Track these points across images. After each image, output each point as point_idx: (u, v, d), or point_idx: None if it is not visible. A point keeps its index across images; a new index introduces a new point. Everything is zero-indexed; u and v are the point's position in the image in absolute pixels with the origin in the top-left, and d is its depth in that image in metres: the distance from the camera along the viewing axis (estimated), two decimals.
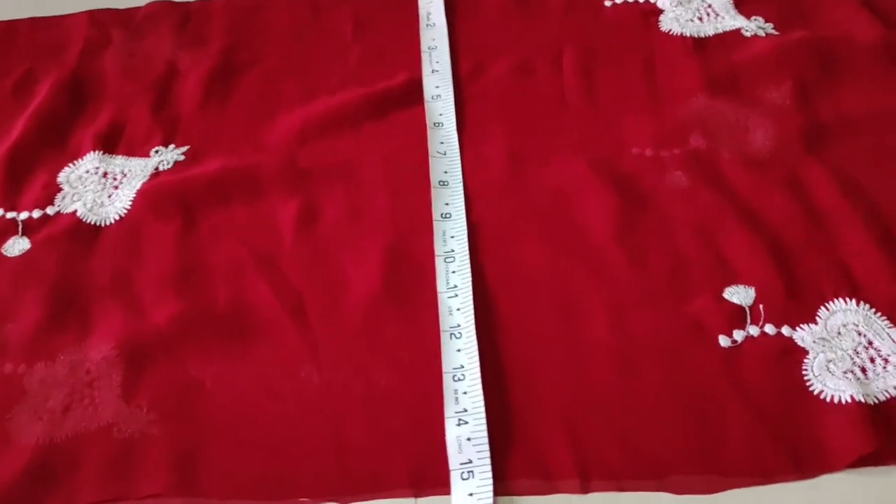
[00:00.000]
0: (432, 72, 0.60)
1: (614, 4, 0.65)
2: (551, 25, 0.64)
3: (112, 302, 0.48)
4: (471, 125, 0.57)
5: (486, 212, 0.52)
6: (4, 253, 0.51)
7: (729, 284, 0.46)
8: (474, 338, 0.45)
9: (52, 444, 0.42)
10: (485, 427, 0.41)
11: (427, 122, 0.56)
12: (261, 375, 0.44)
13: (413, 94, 0.59)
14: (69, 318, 0.47)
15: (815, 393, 0.41)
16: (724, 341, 0.44)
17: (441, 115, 0.57)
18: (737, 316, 0.45)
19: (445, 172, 0.54)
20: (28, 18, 0.67)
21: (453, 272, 0.48)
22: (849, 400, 0.40)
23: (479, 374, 0.43)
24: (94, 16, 0.67)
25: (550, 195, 0.52)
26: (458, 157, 0.54)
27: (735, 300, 0.46)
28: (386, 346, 0.45)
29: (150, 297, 0.48)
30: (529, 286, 0.48)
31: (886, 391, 0.41)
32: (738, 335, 0.44)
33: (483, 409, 0.42)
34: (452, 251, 0.49)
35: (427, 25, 0.64)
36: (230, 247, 0.51)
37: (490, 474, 0.40)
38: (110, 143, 0.57)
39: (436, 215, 0.51)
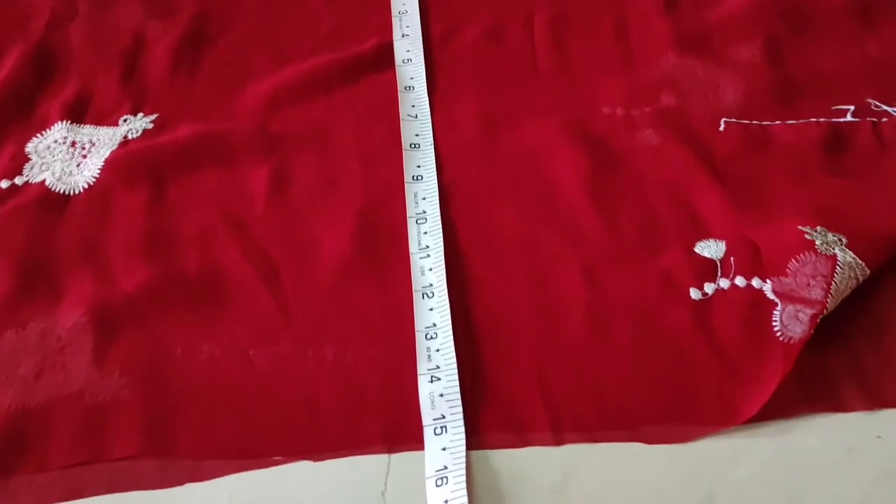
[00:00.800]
0: (402, 36, 0.60)
1: None
2: None
3: (82, 270, 0.48)
4: (442, 88, 0.57)
5: (457, 173, 0.51)
6: None
7: (700, 239, 0.47)
8: (446, 297, 0.45)
9: (24, 409, 0.42)
10: (457, 383, 0.41)
11: (398, 86, 0.56)
12: (232, 339, 0.44)
13: (384, 58, 0.58)
14: (39, 286, 0.47)
15: (784, 341, 0.42)
16: (694, 294, 0.44)
17: (412, 78, 0.57)
18: (708, 269, 0.45)
19: (416, 135, 0.53)
20: None
21: (425, 233, 0.48)
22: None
23: (451, 332, 0.43)
24: None
25: (522, 156, 0.52)
26: (430, 120, 0.54)
27: (706, 254, 0.46)
28: (359, 308, 0.45)
29: (120, 265, 0.48)
30: (501, 246, 0.48)
31: None
32: (709, 288, 0.44)
33: (455, 365, 0.42)
34: (424, 212, 0.49)
35: None
36: (201, 213, 0.50)
37: (463, 429, 0.40)
38: (78, 113, 0.56)
39: (407, 177, 0.51)
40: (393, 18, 0.61)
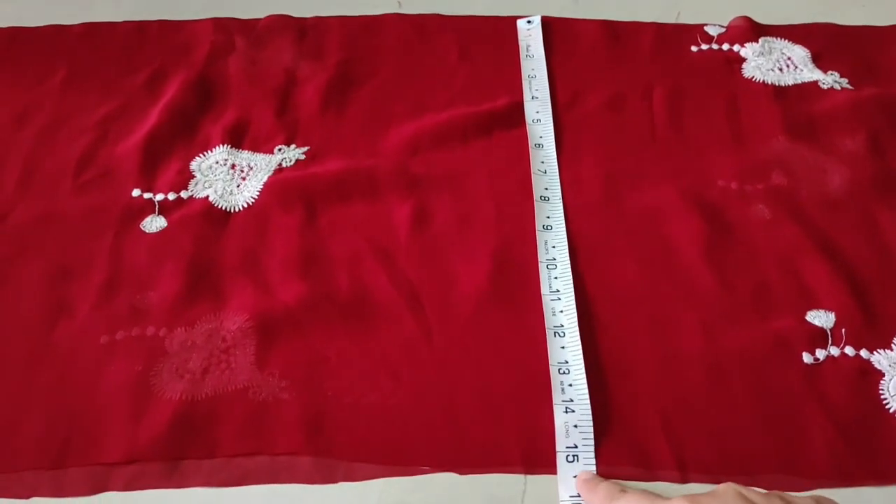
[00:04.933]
0: (532, 98, 0.65)
1: (700, 50, 0.70)
2: (641, 64, 0.69)
3: (243, 279, 0.52)
4: (568, 149, 0.62)
5: (583, 227, 0.56)
6: (143, 229, 0.55)
7: (809, 309, 0.51)
8: (578, 337, 0.49)
9: (193, 400, 0.46)
10: (590, 416, 0.45)
11: (529, 143, 0.61)
12: (380, 354, 0.49)
13: (515, 116, 0.64)
14: (204, 290, 0.52)
15: (892, 411, 0.46)
16: (807, 358, 0.48)
17: (541, 137, 0.62)
18: (818, 337, 0.49)
19: (546, 189, 0.58)
20: (156, 20, 0.73)
21: (555, 278, 0.52)
22: None
23: (583, 369, 0.47)
24: (219, 23, 0.72)
25: (642, 217, 0.57)
26: (558, 176, 0.59)
27: (817, 323, 0.50)
28: (495, 337, 0.50)
29: (277, 278, 0.53)
30: (624, 295, 0.52)
31: None
32: (821, 354, 0.48)
33: (588, 400, 0.46)
34: (554, 259, 0.53)
35: (527, 56, 0.69)
36: (349, 239, 0.55)
37: (594, 459, 0.44)
38: (236, 139, 0.62)
39: (538, 226, 0.55)
40: (522, 81, 0.67)
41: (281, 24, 0.72)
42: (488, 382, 0.47)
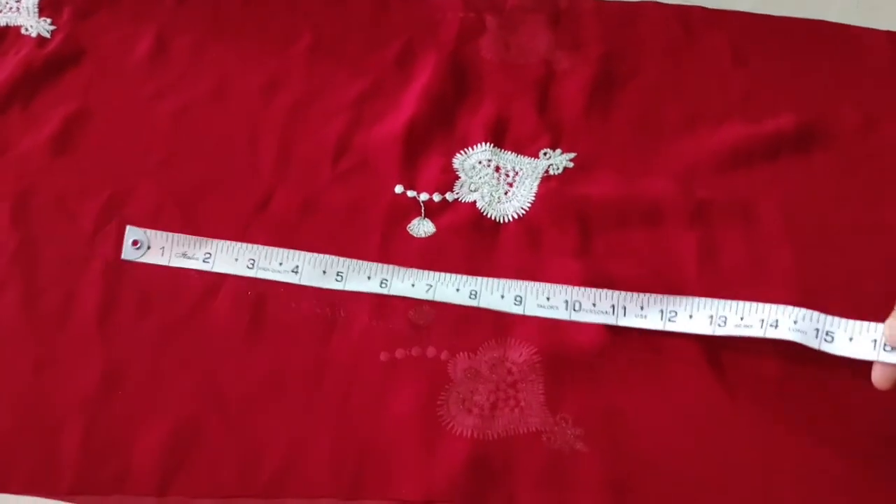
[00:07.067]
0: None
1: None
2: None
3: None
4: (865, 186, 0.55)
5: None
6: (410, 232, 0.52)
7: None
8: None
9: (485, 440, 0.44)
10: None
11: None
12: (676, 408, 0.45)
13: (804, 138, 0.57)
14: (483, 312, 0.48)
15: None
16: None
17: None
18: None
19: None
20: None
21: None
22: None
23: None
24: None
25: None
26: None
27: None
28: (808, 407, 0.45)
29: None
30: None
31: None
32: None
33: None
34: None
35: None
36: (630, 268, 0.51)
37: None
38: (498, 137, 0.57)
39: None
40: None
41: (532, 3, 0.66)
42: (807, 461, 0.43)
